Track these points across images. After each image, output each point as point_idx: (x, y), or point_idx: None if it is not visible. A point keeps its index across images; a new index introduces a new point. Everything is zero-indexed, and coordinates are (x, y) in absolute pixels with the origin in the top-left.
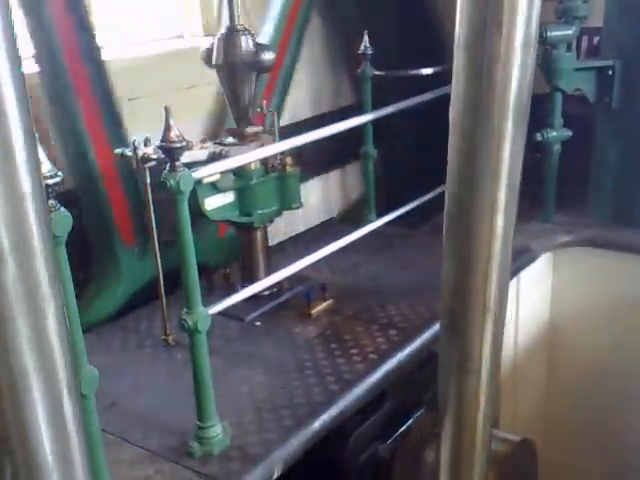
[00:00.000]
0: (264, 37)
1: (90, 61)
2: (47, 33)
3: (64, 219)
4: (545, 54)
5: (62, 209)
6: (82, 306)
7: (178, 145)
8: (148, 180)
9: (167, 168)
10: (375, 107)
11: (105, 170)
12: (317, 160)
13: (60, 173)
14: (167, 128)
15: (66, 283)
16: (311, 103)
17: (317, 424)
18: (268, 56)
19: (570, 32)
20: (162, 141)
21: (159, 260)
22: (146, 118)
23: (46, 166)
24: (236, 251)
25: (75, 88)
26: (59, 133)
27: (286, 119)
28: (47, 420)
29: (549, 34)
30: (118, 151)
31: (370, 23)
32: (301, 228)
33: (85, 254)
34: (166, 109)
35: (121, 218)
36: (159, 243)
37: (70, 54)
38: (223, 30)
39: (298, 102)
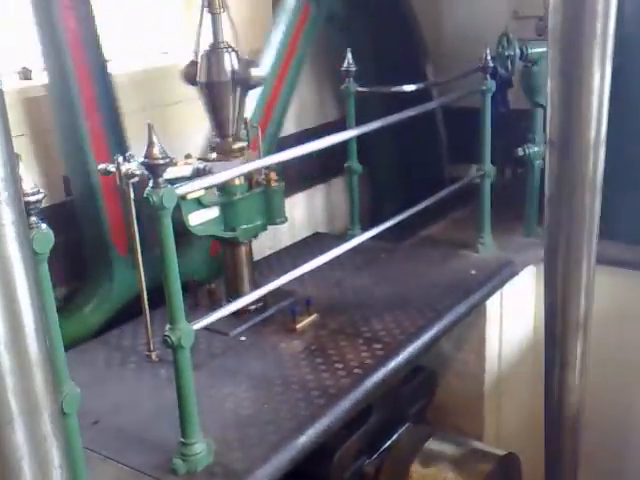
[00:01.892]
0: (267, 58)
1: (98, 76)
2: (58, 46)
3: (45, 236)
4: (525, 71)
5: (44, 226)
6: (71, 316)
7: (161, 162)
8: (132, 196)
9: (150, 184)
10: (359, 122)
11: (105, 183)
12: (302, 175)
13: (42, 190)
14: (150, 144)
15: (47, 299)
16: (295, 119)
17: (302, 439)
18: (255, 72)
19: None
20: (145, 157)
21: (142, 275)
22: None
23: (28, 183)
24: (220, 266)
25: (82, 102)
26: (63, 143)
27: None
28: (26, 440)
29: (529, 51)
30: (102, 167)
31: (354, 41)
32: (286, 242)
33: (77, 266)
34: (149, 126)
35: (117, 229)
36: (149, 256)
37: (79, 68)
38: (206, 47)
39: None
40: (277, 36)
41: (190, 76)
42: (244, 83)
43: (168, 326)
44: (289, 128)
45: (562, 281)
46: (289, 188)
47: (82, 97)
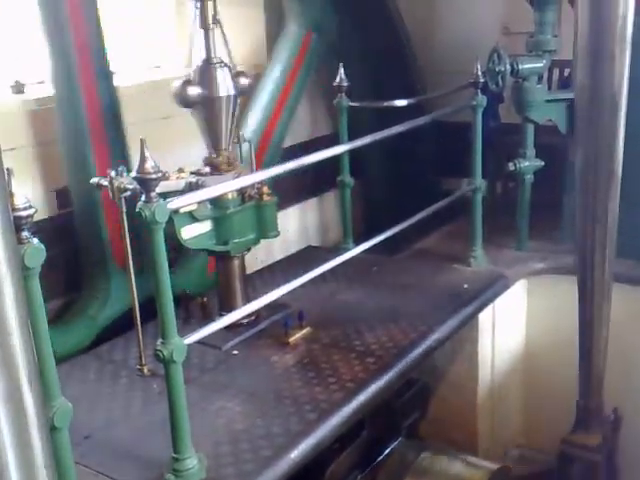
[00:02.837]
0: (267, 84)
1: (104, 89)
2: (66, 59)
3: (37, 251)
4: (516, 86)
5: (35, 241)
6: (63, 329)
7: (154, 176)
8: (124, 209)
9: (143, 199)
10: (352, 134)
11: (106, 195)
12: (294, 188)
13: (33, 205)
14: (142, 159)
15: (39, 314)
16: (289, 133)
17: (294, 454)
18: (243, 81)
19: (541, 65)
20: (138, 172)
21: (134, 289)
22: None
23: (19, 198)
24: (213, 280)
25: (87, 114)
26: (67, 154)
27: None
28: (15, 455)
29: (520, 67)
30: (94, 180)
31: (345, 56)
32: (279, 256)
33: (71, 278)
34: (142, 141)
35: (116, 242)
36: (142, 270)
37: (86, 80)
38: (199, 63)
39: None
40: (277, 66)
41: (182, 96)
42: (237, 94)
43: (160, 340)
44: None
45: (594, 299)
46: (282, 201)
47: (88, 109)
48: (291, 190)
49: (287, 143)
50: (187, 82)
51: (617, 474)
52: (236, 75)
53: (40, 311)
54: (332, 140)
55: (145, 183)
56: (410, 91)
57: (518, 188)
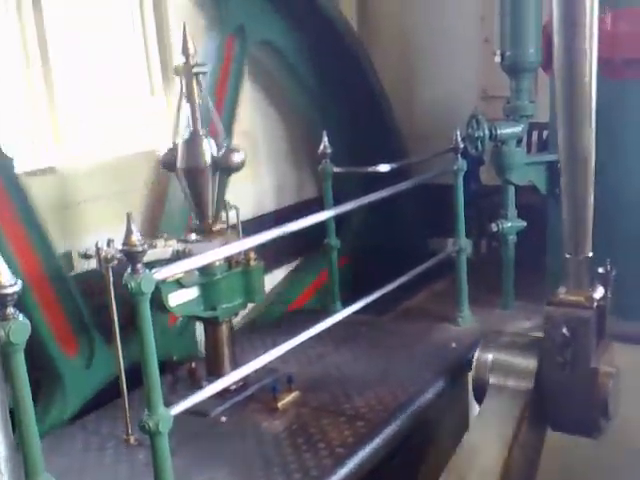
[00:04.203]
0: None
1: (4, 178)
2: None
3: (22, 327)
4: (495, 150)
5: (20, 316)
6: (40, 409)
7: (139, 249)
8: (111, 279)
9: (129, 270)
10: (337, 195)
11: (33, 279)
12: (281, 251)
13: (19, 281)
14: (128, 232)
15: (24, 389)
16: (274, 196)
17: None
18: (237, 158)
19: (519, 129)
20: (124, 244)
21: (121, 359)
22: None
23: (4, 275)
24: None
25: None
26: None
27: (250, 213)
28: None
29: (499, 132)
30: (82, 252)
31: (329, 123)
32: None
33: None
34: (128, 215)
35: (57, 326)
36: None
37: None
38: (185, 135)
39: (262, 196)
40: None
41: (169, 163)
42: (224, 168)
43: (146, 412)
44: (269, 206)
45: None
46: (268, 264)
47: None
48: (278, 253)
49: (273, 207)
50: (171, 152)
51: None
52: (229, 152)
53: (25, 386)
54: (318, 202)
55: (131, 255)
56: (392, 154)
57: (502, 249)
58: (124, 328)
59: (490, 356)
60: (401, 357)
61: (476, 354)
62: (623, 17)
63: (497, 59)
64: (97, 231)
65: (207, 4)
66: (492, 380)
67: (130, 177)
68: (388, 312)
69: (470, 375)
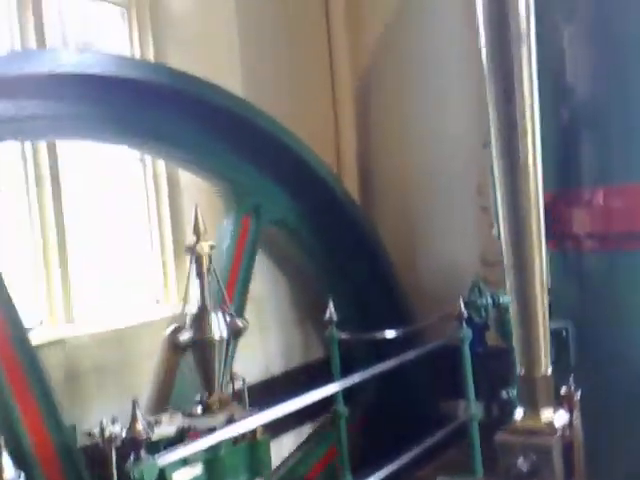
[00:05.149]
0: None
1: (22, 350)
2: None
3: None
4: (498, 317)
5: None
6: None
7: (144, 437)
8: (114, 460)
9: (132, 458)
10: (344, 358)
11: (42, 455)
12: (288, 417)
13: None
14: (134, 419)
15: None
16: (282, 359)
17: None
18: (239, 325)
19: None
20: (128, 431)
21: None
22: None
23: (8, 471)
24: None
25: (8, 378)
26: None
27: (257, 377)
28: None
29: (501, 300)
30: (86, 431)
31: (334, 287)
32: None
33: None
34: (133, 402)
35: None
36: None
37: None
38: (194, 310)
39: (270, 358)
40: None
41: (174, 343)
42: (231, 336)
43: None
44: (275, 370)
45: None
46: (275, 431)
47: (7, 373)
48: (285, 418)
49: (280, 369)
50: (177, 331)
51: None
52: (232, 319)
53: None
54: (326, 362)
55: (135, 443)
56: (399, 317)
57: (511, 417)
58: None
59: None
60: None
61: None
62: (617, 193)
63: (494, 232)
64: (104, 403)
65: (224, 188)
66: None
67: (139, 348)
68: None
69: None
